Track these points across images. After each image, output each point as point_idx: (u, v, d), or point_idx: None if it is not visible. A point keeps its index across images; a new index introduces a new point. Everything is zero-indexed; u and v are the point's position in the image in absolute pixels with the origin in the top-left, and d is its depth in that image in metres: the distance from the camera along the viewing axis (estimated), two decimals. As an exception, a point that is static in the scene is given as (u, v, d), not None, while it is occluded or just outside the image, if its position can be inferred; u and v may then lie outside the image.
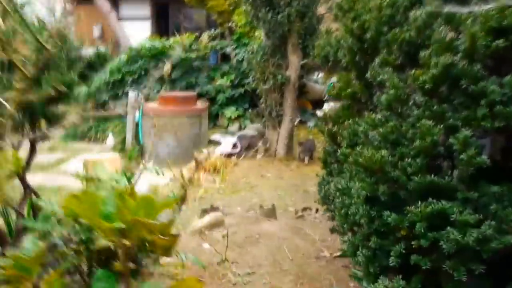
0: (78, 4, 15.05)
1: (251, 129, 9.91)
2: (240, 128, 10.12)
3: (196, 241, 4.80)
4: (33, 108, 2.89)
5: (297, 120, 10.17)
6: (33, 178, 6.73)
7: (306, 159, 7.70)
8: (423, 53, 1.97)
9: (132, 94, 9.07)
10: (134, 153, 7.80)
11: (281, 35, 7.50)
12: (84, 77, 3.30)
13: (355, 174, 2.07)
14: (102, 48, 14.01)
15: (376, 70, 2.19)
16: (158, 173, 3.00)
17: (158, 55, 10.62)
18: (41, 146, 8.65)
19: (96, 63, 3.13)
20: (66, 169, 7.47)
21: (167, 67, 10.15)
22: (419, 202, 1.78)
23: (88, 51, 3.17)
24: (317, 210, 5.43)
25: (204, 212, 5.35)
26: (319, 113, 8.88)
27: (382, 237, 1.95)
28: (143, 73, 10.37)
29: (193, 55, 10.59)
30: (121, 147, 8.88)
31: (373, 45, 2.38)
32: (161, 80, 10.33)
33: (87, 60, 3.00)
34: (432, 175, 1.81)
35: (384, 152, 1.88)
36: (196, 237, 4.86)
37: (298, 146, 7.95)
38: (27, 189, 2.71)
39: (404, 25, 2.17)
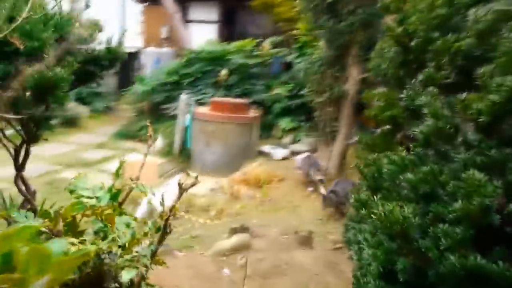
0: (149, 5, 15.28)
1: (304, 144, 9.32)
2: (294, 141, 9.55)
3: (216, 265, 4.31)
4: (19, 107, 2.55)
5: (355, 138, 9.44)
6: (72, 175, 6.58)
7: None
8: (483, 70, 1.35)
9: (183, 97, 8.79)
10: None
11: (341, 45, 6.86)
12: (90, 74, 2.92)
13: (372, 232, 1.48)
14: (167, 48, 14.06)
15: (416, 89, 1.58)
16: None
17: (217, 59, 10.31)
18: (90, 141, 8.58)
19: (105, 59, 2.77)
20: (108, 168, 7.29)
21: (224, 72, 9.81)
22: (455, 293, 1.17)
23: (100, 46, 2.80)
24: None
25: (233, 232, 4.85)
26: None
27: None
28: (199, 76, 10.10)
29: (252, 61, 10.18)
30: (168, 150, 8.62)
31: (420, 56, 1.76)
32: (217, 85, 10.00)
33: (94, 55, 2.65)
34: (479, 257, 1.18)
35: (410, 209, 1.28)
36: (217, 261, 4.37)
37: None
38: None
39: (461, 30, 1.55)
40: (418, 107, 1.52)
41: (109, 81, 14.77)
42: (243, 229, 4.79)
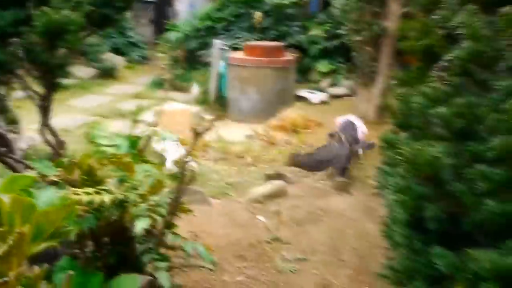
0: None
1: (343, 86, 8.99)
2: (332, 84, 9.22)
3: (251, 212, 4.26)
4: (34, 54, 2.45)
5: (397, 78, 9.00)
6: (113, 125, 6.57)
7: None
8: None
9: (217, 42, 8.56)
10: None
11: (382, -22, 6.42)
12: (105, 18, 2.76)
13: (403, 175, 1.30)
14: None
15: (453, 6, 1.34)
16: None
17: (251, 1, 9.93)
18: (127, 92, 8.52)
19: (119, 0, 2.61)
20: (144, 118, 7.30)
21: (258, 14, 9.44)
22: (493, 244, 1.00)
23: None
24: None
25: (268, 178, 4.76)
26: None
27: (428, 282, 1.20)
28: (233, 20, 9.80)
29: (287, 1, 9.73)
30: (203, 98, 8.52)
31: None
32: (251, 28, 9.68)
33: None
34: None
35: (441, 148, 1.09)
36: (252, 207, 4.31)
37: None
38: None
39: None
40: (453, 29, 1.30)
41: (144, 30, 14.69)
42: (278, 175, 4.69)
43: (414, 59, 7.23)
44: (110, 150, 2.32)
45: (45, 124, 3.03)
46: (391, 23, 6.55)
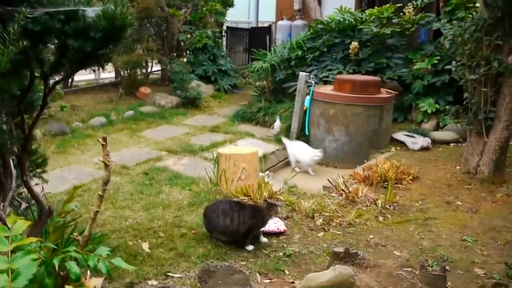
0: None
1: (450, 131, 7.56)
2: (437, 127, 7.82)
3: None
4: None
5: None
6: (177, 162, 5.92)
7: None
8: None
9: (302, 74, 7.67)
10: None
11: (506, 3, 5.09)
12: (84, 54, 1.97)
13: None
14: (299, 21, 12.97)
15: None
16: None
17: (347, 30, 8.94)
18: (205, 124, 7.82)
19: (96, 30, 1.88)
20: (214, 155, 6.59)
21: (353, 44, 8.41)
22: None
23: (95, 10, 1.92)
24: (519, 292, 3.21)
25: (335, 257, 3.66)
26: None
27: None
28: (326, 50, 8.85)
29: (389, 30, 8.58)
30: (284, 136, 7.64)
31: None
32: (345, 59, 8.66)
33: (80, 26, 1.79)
34: None
35: None
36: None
37: None
38: None
39: None
40: None
41: (239, 57, 14.31)
42: (348, 255, 3.58)
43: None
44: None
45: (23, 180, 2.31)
46: (517, 59, 5.18)
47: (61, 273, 1.52)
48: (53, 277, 1.47)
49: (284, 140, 7.11)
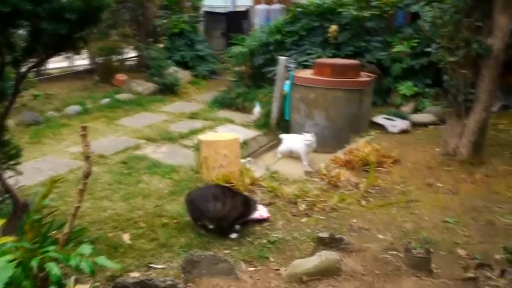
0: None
1: (429, 113, 7.61)
2: (416, 110, 7.86)
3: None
4: None
5: (499, 104, 7.46)
6: (156, 150, 5.83)
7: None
8: None
9: (282, 59, 7.59)
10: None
11: (485, -17, 5.10)
12: (59, 38, 1.87)
13: None
14: (277, 5, 12.83)
15: None
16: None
17: (326, 13, 8.86)
18: (183, 110, 7.67)
19: (72, 11, 1.80)
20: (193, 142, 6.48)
21: (333, 28, 8.35)
22: None
23: None
24: (503, 272, 3.21)
25: (319, 243, 3.63)
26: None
27: None
28: (305, 34, 8.77)
29: (368, 13, 8.53)
30: (264, 121, 7.57)
31: None
32: (324, 43, 8.59)
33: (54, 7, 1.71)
34: None
35: None
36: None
37: None
38: None
39: None
40: None
41: (216, 42, 14.09)
42: (333, 240, 3.56)
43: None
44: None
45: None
46: (497, 41, 5.19)
47: (40, 274, 1.44)
48: (31, 279, 1.38)
49: (282, 135, 6.90)
